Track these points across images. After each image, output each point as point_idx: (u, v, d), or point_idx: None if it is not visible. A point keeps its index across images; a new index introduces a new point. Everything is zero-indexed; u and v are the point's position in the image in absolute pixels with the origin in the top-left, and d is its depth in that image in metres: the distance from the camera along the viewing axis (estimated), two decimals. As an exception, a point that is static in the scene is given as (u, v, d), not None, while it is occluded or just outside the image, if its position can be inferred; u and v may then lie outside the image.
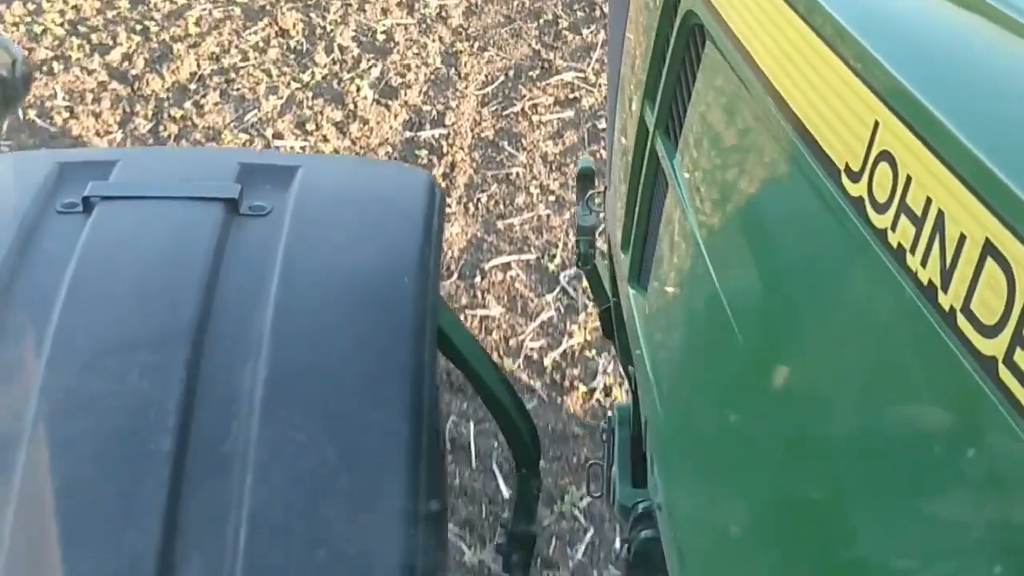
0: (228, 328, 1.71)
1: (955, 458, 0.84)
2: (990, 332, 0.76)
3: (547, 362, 4.22)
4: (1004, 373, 0.75)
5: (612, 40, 2.52)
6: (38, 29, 6.10)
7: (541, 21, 6.36)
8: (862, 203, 0.94)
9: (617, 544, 3.61)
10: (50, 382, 1.60)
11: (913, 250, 0.86)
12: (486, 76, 5.86)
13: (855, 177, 0.96)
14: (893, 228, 0.89)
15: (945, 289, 0.81)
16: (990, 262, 0.76)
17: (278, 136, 5.28)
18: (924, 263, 0.84)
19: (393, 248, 1.94)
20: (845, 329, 1.02)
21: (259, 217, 1.92)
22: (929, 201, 0.84)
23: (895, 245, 0.88)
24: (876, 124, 0.93)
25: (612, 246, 2.28)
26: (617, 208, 2.15)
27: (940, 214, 0.83)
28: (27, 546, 1.46)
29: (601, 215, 2.78)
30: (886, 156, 0.91)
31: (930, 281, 0.83)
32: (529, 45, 6.17)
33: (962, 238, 0.80)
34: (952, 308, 0.80)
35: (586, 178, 2.93)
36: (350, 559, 1.51)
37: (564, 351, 4.27)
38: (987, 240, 0.77)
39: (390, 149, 5.23)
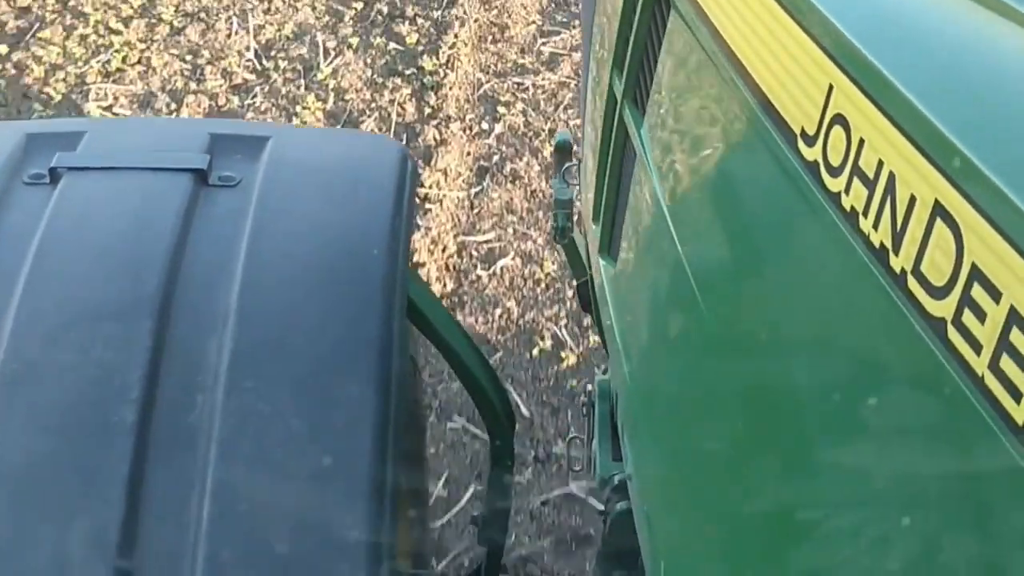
0: (195, 299, 1.70)
1: (906, 416, 0.84)
2: (939, 293, 0.76)
3: None
4: (953, 334, 0.74)
5: (585, 12, 2.52)
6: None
7: (535, 352, 4.02)
8: (817, 167, 0.94)
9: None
10: (13, 352, 1.59)
11: (866, 213, 0.86)
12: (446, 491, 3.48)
13: (810, 141, 0.95)
14: (847, 191, 0.89)
15: (896, 251, 0.81)
16: (939, 223, 0.76)
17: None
18: (876, 226, 0.84)
19: (363, 218, 1.92)
20: (802, 294, 1.02)
21: (228, 188, 1.90)
22: (881, 164, 0.84)
23: (848, 208, 0.88)
24: (830, 87, 0.93)
25: (584, 218, 2.27)
26: (588, 180, 2.15)
27: (891, 176, 0.82)
28: None
29: (577, 187, 2.78)
30: (840, 120, 0.91)
31: (882, 244, 0.83)
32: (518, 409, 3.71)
33: (912, 200, 0.79)
34: (903, 270, 0.80)
35: (563, 151, 2.92)
36: (316, 531, 1.51)
37: None
38: (936, 202, 0.77)
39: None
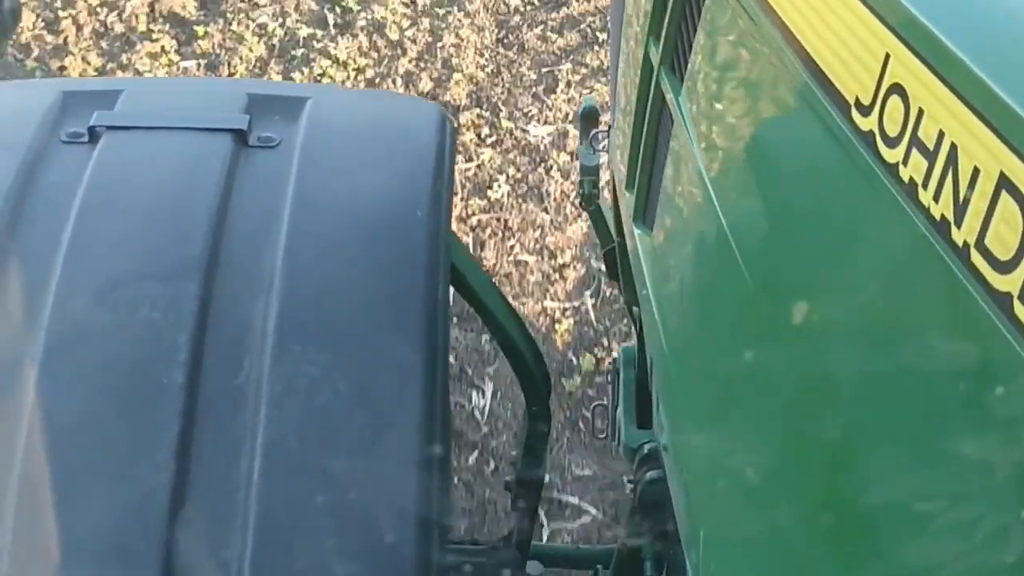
0: (239, 261, 1.69)
1: (968, 394, 0.83)
2: (1005, 268, 0.75)
3: None
4: (1020, 309, 0.74)
5: None
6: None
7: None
8: (872, 137, 0.93)
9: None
10: (60, 315, 1.59)
11: (925, 184, 0.85)
12: None
13: (865, 111, 0.94)
14: (904, 162, 0.88)
15: (959, 224, 0.80)
16: (1005, 196, 0.75)
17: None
18: (937, 198, 0.83)
19: (405, 181, 1.91)
20: (855, 265, 1.01)
21: (268, 149, 1.89)
22: (942, 135, 0.83)
23: (907, 180, 0.87)
24: (887, 56, 0.92)
25: (616, 185, 2.26)
26: (621, 147, 2.13)
27: (953, 148, 0.81)
28: (39, 479, 1.45)
29: (604, 154, 2.76)
30: (897, 89, 0.90)
31: (943, 216, 0.82)
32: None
33: (976, 172, 0.78)
34: (966, 243, 0.79)
35: (590, 117, 2.91)
36: (367, 495, 1.51)
37: None
38: (1001, 173, 0.76)
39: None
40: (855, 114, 0.96)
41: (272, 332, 1.60)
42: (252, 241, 1.72)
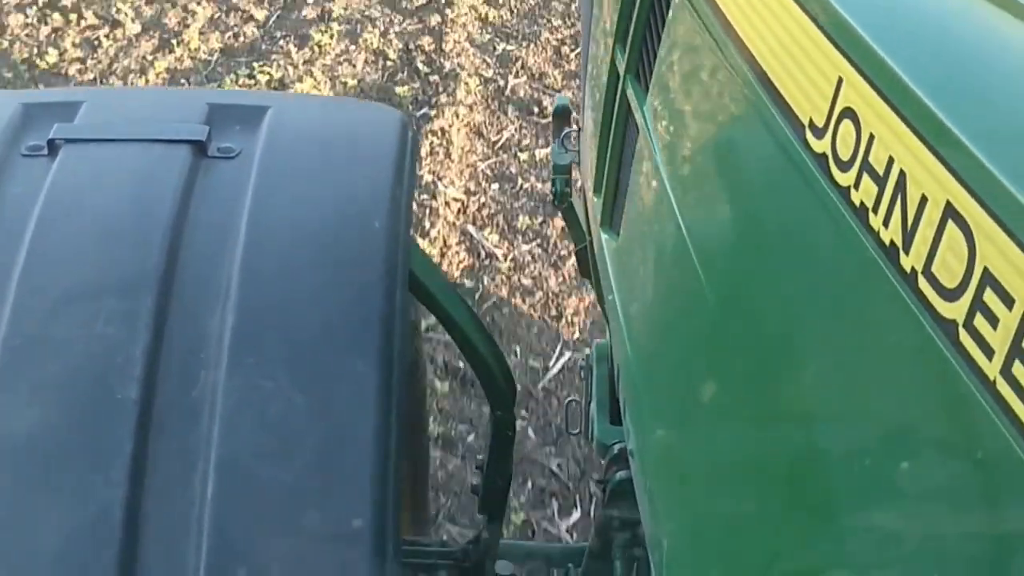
0: (196, 273, 1.69)
1: (914, 419, 0.84)
2: (951, 295, 0.76)
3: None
4: (964, 337, 0.74)
5: None
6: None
7: None
8: (826, 160, 0.93)
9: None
10: (15, 327, 1.58)
11: (875, 209, 0.85)
12: None
13: (819, 133, 0.95)
14: (856, 186, 0.89)
15: (907, 250, 0.81)
16: (951, 225, 0.76)
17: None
18: (886, 223, 0.84)
19: (365, 190, 1.91)
20: (808, 284, 1.02)
21: (227, 159, 1.89)
22: (891, 161, 0.84)
23: (858, 204, 0.88)
24: (840, 80, 0.92)
25: (584, 187, 2.27)
26: (589, 151, 2.14)
27: (902, 174, 0.82)
28: None
29: (576, 154, 2.77)
30: (849, 113, 0.90)
31: (892, 242, 0.83)
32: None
33: (923, 199, 0.79)
34: (913, 270, 0.80)
35: (562, 116, 2.92)
36: (321, 508, 1.51)
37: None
38: (948, 202, 0.76)
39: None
40: (809, 135, 0.97)
41: (228, 345, 1.59)
42: (209, 254, 1.71)
